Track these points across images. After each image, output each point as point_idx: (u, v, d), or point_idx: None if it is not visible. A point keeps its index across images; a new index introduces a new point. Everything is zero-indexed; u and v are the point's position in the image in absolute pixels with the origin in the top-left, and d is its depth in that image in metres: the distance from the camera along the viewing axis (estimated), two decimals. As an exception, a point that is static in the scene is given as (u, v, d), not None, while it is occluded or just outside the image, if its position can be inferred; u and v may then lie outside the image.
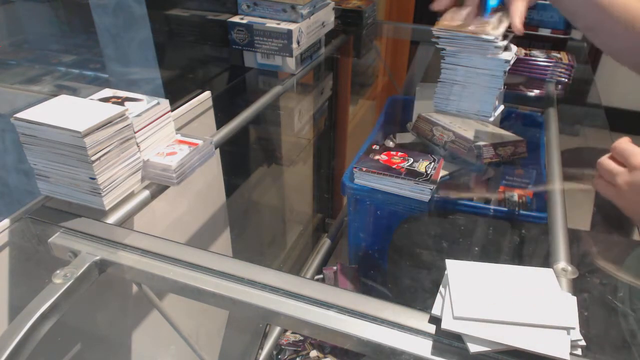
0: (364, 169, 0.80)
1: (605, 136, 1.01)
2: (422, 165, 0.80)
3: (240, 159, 1.13)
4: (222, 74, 0.97)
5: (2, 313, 0.57)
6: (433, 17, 0.83)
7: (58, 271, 0.48)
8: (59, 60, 1.00)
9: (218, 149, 0.77)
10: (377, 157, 0.83)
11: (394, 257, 0.89)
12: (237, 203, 1.09)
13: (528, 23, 1.08)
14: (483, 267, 0.46)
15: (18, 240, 0.55)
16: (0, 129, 0.95)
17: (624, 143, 0.55)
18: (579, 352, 0.40)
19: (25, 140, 0.52)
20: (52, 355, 0.64)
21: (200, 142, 0.64)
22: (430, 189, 0.77)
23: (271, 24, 0.91)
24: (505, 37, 0.81)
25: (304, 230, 1.58)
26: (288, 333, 1.04)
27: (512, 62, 0.81)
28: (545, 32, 1.15)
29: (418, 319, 0.43)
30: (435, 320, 0.42)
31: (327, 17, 1.04)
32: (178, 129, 0.66)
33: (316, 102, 1.38)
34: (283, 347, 1.03)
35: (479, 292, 0.43)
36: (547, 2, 0.99)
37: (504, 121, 1.05)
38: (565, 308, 0.41)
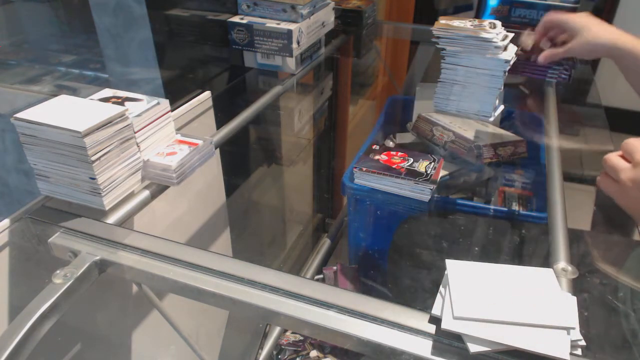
0: (364, 169, 0.80)
1: (605, 136, 1.02)
2: (422, 165, 0.80)
3: (240, 159, 1.13)
4: (222, 74, 0.97)
5: (2, 313, 0.57)
6: (433, 17, 0.83)
7: (58, 271, 0.48)
8: (59, 60, 1.00)
9: (218, 149, 0.77)
10: (377, 157, 0.83)
11: (394, 257, 0.89)
12: (237, 203, 1.09)
13: (528, 23, 1.08)
14: (483, 267, 0.46)
15: (18, 240, 0.55)
16: (0, 129, 0.95)
17: (634, 140, 0.54)
18: (579, 352, 0.40)
19: (25, 140, 0.52)
20: (52, 355, 0.64)
21: (200, 142, 0.64)
22: (430, 189, 0.77)
23: (271, 24, 0.91)
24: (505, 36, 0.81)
25: (304, 230, 1.58)
26: (288, 333, 1.04)
27: (512, 62, 0.81)
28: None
29: (418, 319, 0.43)
30: (435, 320, 0.42)
31: (327, 17, 1.04)
32: (178, 129, 0.66)
33: (316, 102, 1.38)
34: (283, 347, 1.03)
35: (479, 292, 0.43)
36: (547, 2, 0.99)
37: (504, 121, 1.05)
38: (565, 308, 0.41)
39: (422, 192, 0.78)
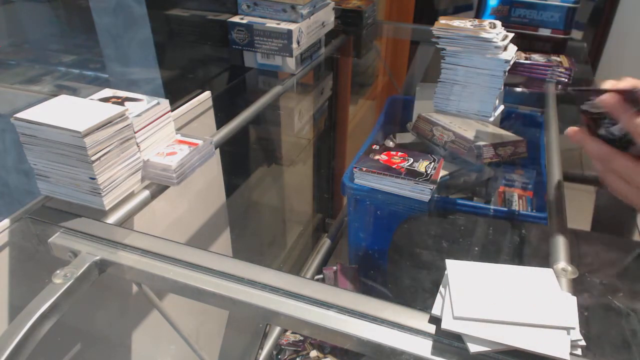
0: (364, 169, 0.80)
1: (605, 136, 1.01)
2: (422, 165, 0.80)
3: (240, 159, 1.13)
4: (222, 74, 0.97)
5: (2, 313, 0.57)
6: (433, 17, 0.83)
7: (58, 271, 0.48)
8: (59, 60, 1.00)
9: (218, 149, 0.77)
10: (377, 157, 0.83)
11: (394, 257, 0.89)
12: (237, 203, 1.09)
13: (528, 23, 1.08)
14: (483, 267, 0.46)
15: (18, 240, 0.55)
16: (0, 129, 0.95)
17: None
18: (579, 352, 0.40)
19: (25, 140, 0.52)
20: (52, 355, 0.64)
21: (200, 142, 0.64)
22: (430, 189, 0.77)
23: (271, 24, 0.91)
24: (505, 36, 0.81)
25: (304, 230, 1.58)
26: (288, 333, 1.04)
27: (512, 62, 0.81)
28: (545, 32, 1.15)
29: (418, 319, 0.43)
30: (435, 320, 0.42)
31: (327, 17, 1.04)
32: (178, 129, 0.66)
33: (316, 102, 1.38)
34: (283, 347, 1.03)
35: (479, 292, 0.43)
36: (547, 2, 0.99)
37: (504, 121, 1.05)
38: (565, 308, 0.41)
39: (422, 192, 0.78)
